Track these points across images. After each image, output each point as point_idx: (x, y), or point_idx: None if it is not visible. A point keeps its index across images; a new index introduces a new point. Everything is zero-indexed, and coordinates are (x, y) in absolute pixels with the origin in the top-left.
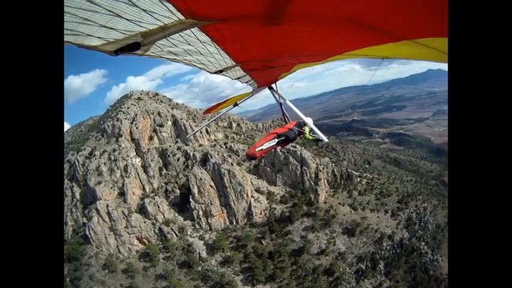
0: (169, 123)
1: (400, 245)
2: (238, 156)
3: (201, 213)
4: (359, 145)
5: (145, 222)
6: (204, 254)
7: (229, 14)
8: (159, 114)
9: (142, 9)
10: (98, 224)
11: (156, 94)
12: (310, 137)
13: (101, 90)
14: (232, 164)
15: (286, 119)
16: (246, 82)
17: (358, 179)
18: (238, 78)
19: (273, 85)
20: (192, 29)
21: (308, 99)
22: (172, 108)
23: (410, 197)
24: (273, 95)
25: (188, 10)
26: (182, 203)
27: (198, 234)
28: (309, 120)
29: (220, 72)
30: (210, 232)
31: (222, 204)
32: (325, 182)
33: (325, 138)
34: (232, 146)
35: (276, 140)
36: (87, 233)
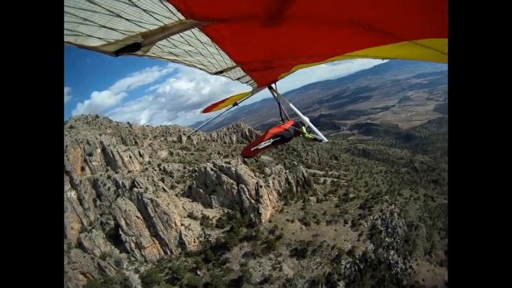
0: (99, 151)
1: (364, 259)
2: (173, 177)
3: (133, 245)
4: (327, 139)
5: (84, 257)
6: None
7: (230, 15)
8: (87, 142)
9: (143, 10)
10: None
11: (97, 116)
12: (310, 137)
13: (66, 109)
14: (163, 189)
15: (285, 118)
16: (246, 82)
17: (322, 179)
18: (239, 78)
19: (273, 85)
20: (193, 30)
21: (274, 99)
22: (100, 135)
23: (375, 199)
24: (273, 94)
25: (188, 10)
26: (117, 235)
27: (134, 267)
28: (307, 120)
29: (220, 73)
30: (145, 264)
31: (152, 234)
32: (269, 197)
33: (324, 138)
34: (166, 167)
35: (272, 140)
36: None
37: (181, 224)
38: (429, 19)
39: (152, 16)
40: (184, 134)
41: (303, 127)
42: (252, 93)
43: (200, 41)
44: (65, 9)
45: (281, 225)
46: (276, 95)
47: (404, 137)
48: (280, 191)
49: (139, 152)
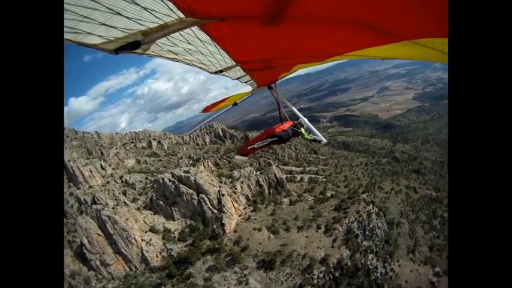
0: None
1: (339, 267)
2: (135, 190)
3: (98, 263)
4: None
5: None
6: None
7: (230, 13)
8: None
9: (143, 7)
10: None
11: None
12: (309, 138)
13: None
14: (125, 202)
15: (284, 118)
16: (245, 82)
17: (299, 177)
18: (238, 78)
19: (272, 85)
20: (192, 28)
21: (254, 95)
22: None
23: (352, 198)
24: (273, 94)
25: (188, 8)
26: (83, 253)
27: (101, 285)
28: (306, 121)
29: (220, 72)
30: (112, 281)
31: (116, 251)
32: (234, 205)
33: (323, 139)
34: (128, 179)
35: (269, 140)
36: None
37: (142, 240)
38: (429, 19)
39: (152, 14)
40: (154, 139)
41: (302, 128)
42: (252, 93)
43: (200, 40)
44: (65, 6)
45: (247, 235)
46: (275, 95)
47: (384, 127)
48: (250, 195)
49: (101, 164)
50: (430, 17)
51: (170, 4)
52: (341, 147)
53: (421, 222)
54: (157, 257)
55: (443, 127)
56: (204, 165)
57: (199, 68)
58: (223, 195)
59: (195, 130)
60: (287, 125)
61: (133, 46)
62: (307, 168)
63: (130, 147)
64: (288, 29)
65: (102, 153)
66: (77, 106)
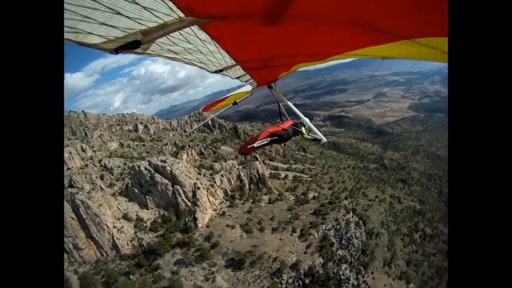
0: None
1: (310, 274)
2: (113, 175)
3: (71, 246)
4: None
5: None
6: None
7: (229, 12)
8: None
9: (143, 7)
10: None
11: None
12: (309, 137)
13: None
14: (101, 187)
15: (285, 118)
16: (245, 81)
17: (284, 174)
18: (238, 77)
19: (272, 84)
20: (192, 27)
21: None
22: None
23: (332, 204)
24: (273, 94)
25: (188, 7)
26: None
27: (73, 268)
28: (306, 120)
29: (220, 71)
30: (84, 265)
31: (88, 236)
32: (210, 199)
33: (323, 138)
34: (107, 163)
35: (269, 139)
36: None
37: (114, 227)
38: (429, 18)
39: (152, 13)
40: (141, 123)
41: (303, 127)
42: (252, 92)
43: (199, 39)
44: (66, 6)
45: (219, 232)
46: (275, 94)
47: (376, 132)
48: (229, 189)
49: (81, 146)
50: (429, 16)
51: (170, 3)
52: (331, 147)
53: (401, 235)
54: (127, 245)
55: (435, 139)
56: (187, 153)
57: (199, 67)
58: (198, 188)
59: (184, 116)
60: (287, 124)
61: (133, 45)
62: (294, 166)
63: (116, 130)
64: (287, 28)
65: (86, 134)
66: (71, 82)
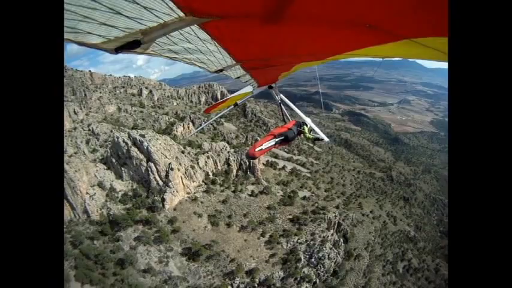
0: None
1: (265, 285)
2: (98, 140)
3: None
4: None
5: None
6: None
7: (230, 11)
8: None
9: (143, 7)
10: None
11: None
12: (311, 137)
13: None
14: (83, 152)
15: (286, 118)
16: (246, 81)
17: (283, 164)
18: (239, 77)
19: (273, 85)
20: (192, 27)
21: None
22: None
23: (316, 214)
24: (273, 94)
25: (188, 7)
26: None
27: None
28: (308, 120)
29: (220, 71)
30: None
31: (64, 197)
32: (183, 182)
33: (325, 138)
34: (95, 128)
35: (275, 140)
36: None
37: (87, 193)
38: (429, 17)
39: (152, 13)
40: (146, 88)
41: (305, 127)
42: (253, 92)
43: (200, 38)
44: (65, 6)
45: (184, 217)
46: (276, 95)
47: (392, 139)
48: (213, 173)
49: (74, 109)
50: (430, 15)
51: (170, 3)
52: (342, 144)
53: (384, 261)
54: (97, 211)
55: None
56: (183, 126)
57: (199, 67)
58: (172, 169)
59: (193, 86)
60: (291, 124)
61: (133, 45)
62: (296, 157)
63: (120, 92)
64: (288, 27)
65: (85, 95)
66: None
